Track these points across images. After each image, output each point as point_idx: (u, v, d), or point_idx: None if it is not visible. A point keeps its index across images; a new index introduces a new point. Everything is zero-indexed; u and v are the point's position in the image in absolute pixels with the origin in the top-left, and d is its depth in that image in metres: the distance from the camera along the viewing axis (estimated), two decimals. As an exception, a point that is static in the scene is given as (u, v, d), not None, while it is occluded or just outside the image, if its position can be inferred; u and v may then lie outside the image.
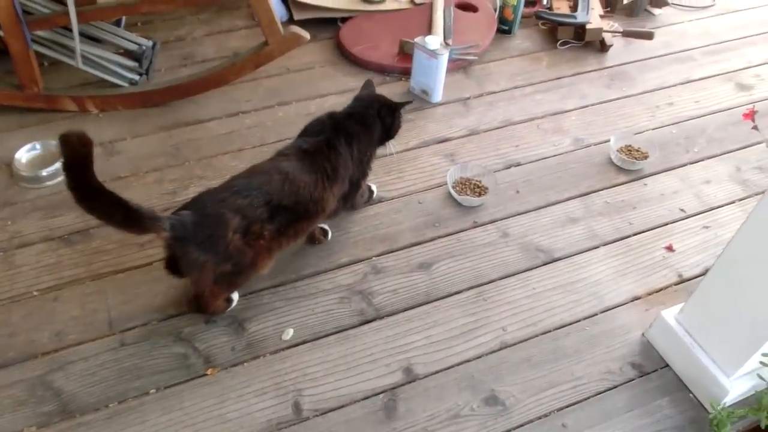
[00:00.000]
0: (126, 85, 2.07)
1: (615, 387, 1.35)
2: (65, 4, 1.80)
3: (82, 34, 2.04)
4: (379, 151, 1.62)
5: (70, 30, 1.86)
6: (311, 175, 1.38)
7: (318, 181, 1.38)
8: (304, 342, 1.40)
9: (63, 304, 1.46)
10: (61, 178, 1.75)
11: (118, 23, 2.28)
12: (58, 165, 1.76)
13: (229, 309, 1.46)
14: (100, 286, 1.50)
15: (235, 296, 1.48)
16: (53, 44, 2.01)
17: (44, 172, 1.74)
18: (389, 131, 1.58)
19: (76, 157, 1.10)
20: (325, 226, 1.64)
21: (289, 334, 1.42)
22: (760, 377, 1.18)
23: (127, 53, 2.14)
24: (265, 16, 1.91)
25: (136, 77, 2.08)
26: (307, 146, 1.43)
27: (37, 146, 1.83)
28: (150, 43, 2.20)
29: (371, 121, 1.53)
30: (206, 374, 1.34)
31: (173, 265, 1.36)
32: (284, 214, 1.33)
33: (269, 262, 1.39)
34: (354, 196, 1.58)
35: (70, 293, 1.48)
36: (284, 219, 1.33)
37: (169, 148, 1.88)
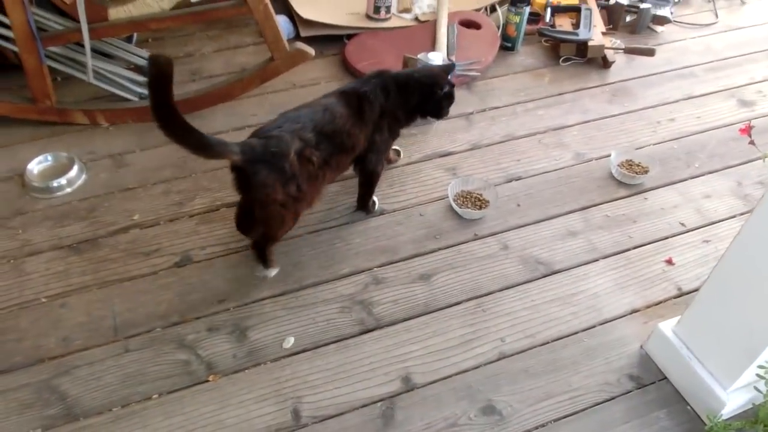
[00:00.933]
0: (136, 99, 2.12)
1: (612, 398, 1.36)
2: (78, 21, 1.86)
3: (94, 50, 2.09)
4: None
5: (83, 46, 1.91)
6: (346, 109, 1.54)
7: (350, 116, 1.54)
8: (304, 350, 1.43)
9: (70, 311, 1.49)
10: (69, 189, 1.80)
11: (129, 40, 2.34)
12: (67, 176, 1.81)
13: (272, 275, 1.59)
14: (106, 294, 1.53)
15: (274, 271, 1.59)
16: (66, 59, 2.06)
17: (55, 183, 1.79)
18: (426, 108, 1.70)
19: (162, 74, 1.24)
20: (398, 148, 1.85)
21: (289, 342, 1.44)
22: (757, 390, 1.18)
23: (137, 68, 2.19)
24: (270, 33, 1.96)
25: (146, 91, 2.13)
26: (346, 89, 1.61)
27: (49, 158, 1.88)
28: (172, 61, 2.25)
29: (410, 92, 1.65)
30: (208, 380, 1.36)
31: (244, 220, 1.57)
32: (326, 142, 1.48)
33: (321, 191, 1.56)
34: (372, 158, 1.66)
35: (77, 300, 1.51)
36: (327, 148, 1.48)
37: (177, 160, 1.92)
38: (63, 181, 1.80)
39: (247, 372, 1.38)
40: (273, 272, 1.60)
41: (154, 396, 1.33)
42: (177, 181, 1.85)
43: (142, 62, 2.20)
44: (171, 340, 1.43)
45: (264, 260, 1.59)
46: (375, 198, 1.77)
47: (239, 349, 1.42)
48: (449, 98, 1.72)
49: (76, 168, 1.83)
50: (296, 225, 1.59)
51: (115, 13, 1.94)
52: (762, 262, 1.11)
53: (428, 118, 1.77)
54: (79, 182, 1.83)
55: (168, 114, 1.28)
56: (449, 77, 1.71)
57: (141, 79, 2.15)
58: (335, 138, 1.50)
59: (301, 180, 1.44)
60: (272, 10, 1.94)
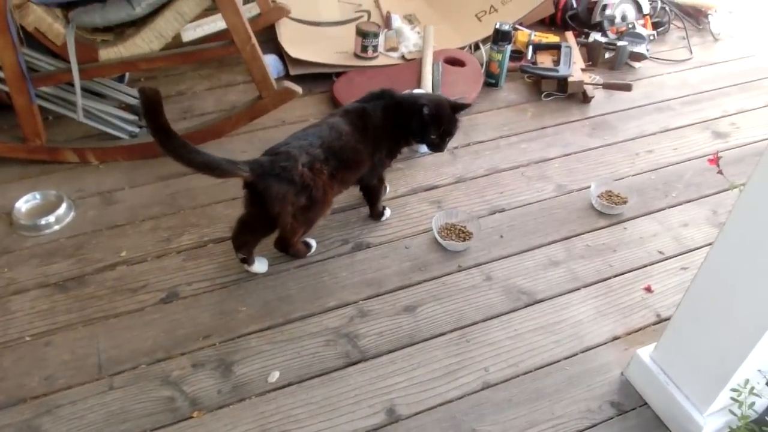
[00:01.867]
0: (126, 137, 2.15)
1: (594, 426, 1.36)
2: (69, 62, 1.91)
3: (85, 90, 2.13)
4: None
5: (74, 86, 1.96)
6: (350, 127, 1.63)
7: (354, 133, 1.63)
8: (289, 384, 1.43)
9: (54, 349, 1.49)
10: (57, 227, 1.82)
11: (121, 79, 2.39)
12: (56, 213, 1.82)
13: (309, 253, 1.75)
14: (91, 331, 1.53)
15: (313, 243, 1.76)
16: (57, 99, 2.10)
17: (42, 221, 1.80)
18: (424, 134, 1.74)
19: (151, 101, 1.37)
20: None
21: (275, 376, 1.44)
22: (732, 413, 1.19)
23: (128, 107, 2.23)
24: (258, 72, 2.02)
25: (136, 130, 2.17)
26: (350, 107, 1.71)
27: (37, 196, 1.90)
28: (158, 91, 2.30)
29: (409, 115, 1.70)
30: (192, 417, 1.36)
31: (240, 236, 1.66)
32: (333, 157, 1.58)
33: (331, 201, 1.65)
34: (372, 176, 1.76)
35: (62, 338, 1.51)
36: (334, 162, 1.58)
37: (166, 197, 1.94)
38: (51, 218, 1.82)
39: (232, 407, 1.38)
40: (312, 248, 1.76)
41: (138, 433, 1.32)
42: (165, 218, 1.87)
43: (134, 101, 2.25)
44: (156, 377, 1.43)
45: (292, 254, 1.73)
46: (384, 205, 1.89)
47: (224, 385, 1.42)
48: (447, 132, 1.75)
49: (64, 206, 1.85)
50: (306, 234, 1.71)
51: (106, 54, 1.98)
52: (728, 287, 1.14)
53: (424, 147, 1.81)
54: (68, 220, 1.85)
55: (167, 136, 1.39)
56: (455, 113, 1.75)
57: (131, 117, 2.19)
58: (342, 154, 1.60)
59: (314, 191, 1.54)
60: (259, 50, 2.00)
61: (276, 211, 1.53)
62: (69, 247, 1.76)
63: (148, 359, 1.47)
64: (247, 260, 1.67)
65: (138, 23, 2.02)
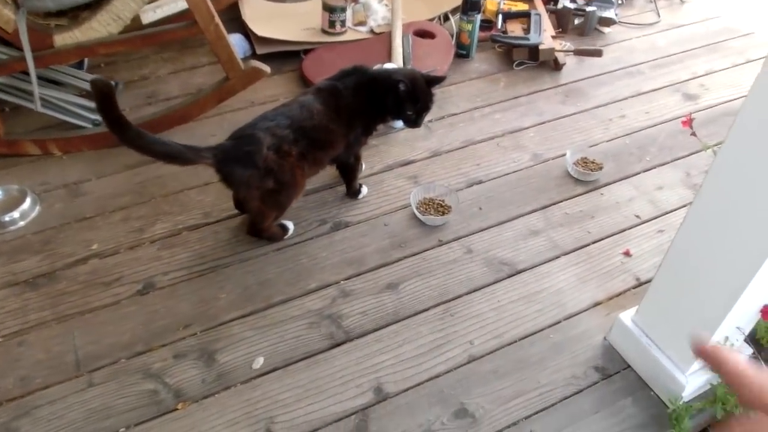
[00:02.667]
0: (89, 126, 2.08)
1: (580, 391, 1.38)
2: (22, 50, 1.82)
3: (43, 78, 2.05)
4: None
5: (28, 74, 1.87)
6: (322, 105, 1.59)
7: (327, 111, 1.59)
8: (274, 369, 1.41)
9: (28, 349, 1.44)
10: (23, 223, 1.75)
11: (80, 65, 2.30)
12: (20, 209, 1.76)
13: (286, 237, 1.71)
14: (66, 328, 1.49)
15: (291, 226, 1.72)
16: (12, 89, 2.02)
17: (6, 217, 1.74)
18: (401, 111, 1.69)
19: (103, 96, 1.35)
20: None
21: (259, 362, 1.42)
22: (713, 371, 1.21)
23: (89, 94, 2.15)
24: (224, 53, 1.96)
25: (99, 117, 2.09)
26: (322, 85, 1.66)
27: (-1, 191, 1.83)
28: (112, 84, 2.22)
29: (384, 91, 1.65)
30: (177, 409, 1.33)
31: (240, 205, 1.70)
32: (304, 138, 1.53)
33: (302, 183, 1.61)
34: (348, 154, 1.73)
35: (36, 337, 1.47)
36: (305, 143, 1.54)
37: (135, 186, 1.89)
38: (15, 214, 1.75)
39: (217, 396, 1.36)
40: (290, 230, 1.72)
41: (121, 430, 1.29)
42: (136, 207, 1.82)
43: (94, 88, 2.17)
44: (136, 371, 1.40)
45: (266, 239, 1.70)
46: (360, 183, 1.85)
47: (208, 374, 1.40)
48: (424, 107, 1.71)
49: (29, 200, 1.78)
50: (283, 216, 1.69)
51: (61, 39, 1.89)
52: (705, 248, 1.15)
53: (400, 122, 1.79)
54: (33, 215, 1.78)
55: (122, 128, 1.37)
56: (430, 87, 1.71)
57: (93, 105, 2.11)
58: (313, 133, 1.56)
59: (280, 174, 1.50)
60: (224, 30, 1.93)
61: (241, 195, 1.53)
62: (36, 243, 1.70)
63: (127, 353, 1.44)
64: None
65: (93, 6, 1.93)
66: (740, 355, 0.37)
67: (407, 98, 1.66)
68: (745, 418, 0.36)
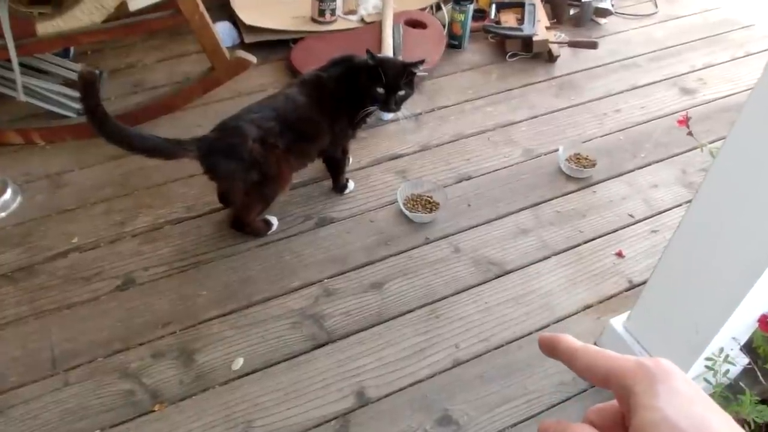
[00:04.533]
0: (73, 115, 2.03)
1: (568, 399, 1.35)
2: (3, 38, 1.77)
3: (26, 66, 2.00)
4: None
5: (11, 63, 1.82)
6: (305, 97, 1.56)
7: (310, 103, 1.56)
8: (254, 371, 1.38)
9: (4, 345, 1.41)
10: (3, 214, 1.71)
11: (66, 54, 2.24)
12: (1, 199, 1.72)
13: (270, 232, 1.67)
14: (43, 324, 1.45)
15: (275, 221, 1.68)
16: (-6, 78, 1.97)
17: (-16, 209, 1.70)
18: (370, 89, 1.61)
19: (86, 84, 1.36)
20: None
21: (239, 363, 1.39)
22: (707, 381, 1.19)
23: (74, 83, 2.10)
24: (208, 43, 1.91)
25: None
26: (307, 77, 1.64)
27: (-21, 182, 1.78)
28: (96, 72, 2.17)
29: (368, 80, 1.60)
30: (153, 410, 1.30)
31: (224, 199, 1.67)
32: (290, 131, 1.50)
33: (288, 177, 1.58)
34: (335, 147, 1.69)
35: (12, 333, 1.43)
36: (291, 135, 1.51)
37: (118, 178, 1.85)
38: (-6, 206, 1.71)
39: (195, 398, 1.33)
40: (273, 226, 1.68)
41: (97, 431, 1.26)
42: (118, 200, 1.78)
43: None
44: (113, 370, 1.37)
45: (249, 233, 1.66)
46: (347, 177, 1.81)
47: (186, 375, 1.37)
48: (394, 85, 1.61)
49: (9, 191, 1.74)
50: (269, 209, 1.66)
51: (43, 27, 1.84)
52: (702, 254, 1.12)
53: (388, 114, 1.77)
54: (14, 206, 1.74)
55: (102, 121, 1.35)
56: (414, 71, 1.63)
57: (77, 94, 2.06)
58: (298, 126, 1.53)
59: (265, 166, 1.48)
60: (209, 19, 1.88)
61: (226, 188, 1.51)
62: (16, 236, 1.66)
63: (104, 351, 1.40)
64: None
65: (76, -7, 1.87)
66: (572, 337, 0.40)
67: (374, 73, 1.58)
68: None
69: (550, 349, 0.41)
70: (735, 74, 2.39)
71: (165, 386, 1.34)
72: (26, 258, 1.60)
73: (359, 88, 1.62)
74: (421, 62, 1.64)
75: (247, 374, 1.37)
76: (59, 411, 1.29)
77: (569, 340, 0.40)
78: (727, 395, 1.14)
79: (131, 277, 1.57)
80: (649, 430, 0.33)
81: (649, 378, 0.35)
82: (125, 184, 1.82)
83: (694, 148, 2.00)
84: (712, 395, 1.19)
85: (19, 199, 1.77)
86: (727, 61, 2.47)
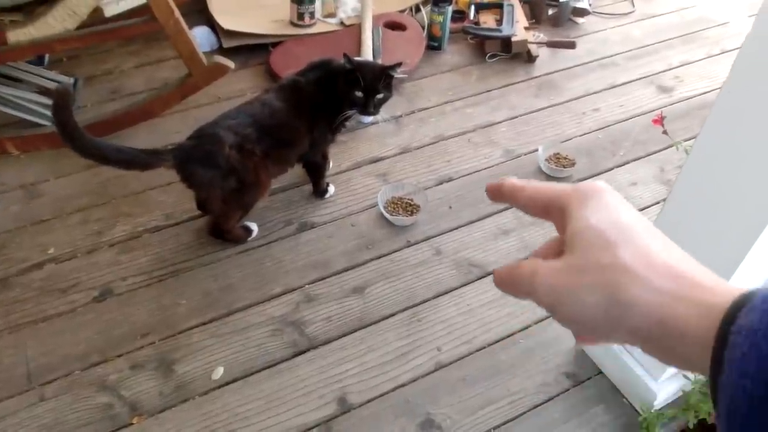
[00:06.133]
0: (48, 124, 1.99)
1: (551, 399, 1.35)
2: (-28, 46, 1.74)
3: (-2, 75, 1.97)
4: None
5: (-19, 72, 1.79)
6: (282, 102, 1.55)
7: (288, 109, 1.55)
8: (235, 380, 1.36)
9: (-23, 361, 1.38)
10: (-24, 226, 1.68)
11: (40, 61, 2.21)
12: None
13: (250, 238, 1.65)
14: (18, 339, 1.43)
15: (255, 227, 1.67)
16: (-36, 87, 1.93)
17: (-44, 222, 1.66)
18: (349, 92, 1.60)
19: (59, 100, 1.35)
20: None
21: (219, 372, 1.37)
22: (686, 377, 1.19)
23: (48, 92, 2.07)
24: (184, 48, 1.88)
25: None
26: (284, 82, 1.63)
27: (-50, 194, 1.75)
28: (71, 80, 2.14)
29: (346, 84, 1.59)
30: (132, 423, 1.28)
31: (202, 206, 1.65)
32: (268, 137, 1.50)
33: (267, 183, 1.57)
34: (315, 152, 1.69)
35: (-13, 348, 1.41)
36: (269, 141, 1.50)
37: (95, 186, 1.82)
38: (-34, 219, 1.68)
39: (175, 410, 1.31)
40: (254, 232, 1.67)
41: (73, 446, 1.24)
42: (95, 209, 1.75)
43: (53, 85, 2.08)
44: (91, 383, 1.35)
45: (229, 240, 1.65)
46: (327, 182, 1.80)
47: (165, 386, 1.35)
48: (372, 88, 1.59)
49: (-18, 203, 1.71)
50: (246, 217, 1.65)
51: (14, 35, 1.81)
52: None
53: (369, 117, 1.77)
54: (-13, 218, 1.71)
55: (75, 137, 1.35)
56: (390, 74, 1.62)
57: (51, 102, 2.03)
58: (276, 132, 1.52)
59: (243, 173, 1.47)
60: (184, 24, 1.86)
61: (204, 196, 1.50)
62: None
63: (81, 364, 1.38)
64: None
65: (49, 1, 1.84)
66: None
67: (352, 78, 1.57)
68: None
69: (497, 194, 0.42)
70: (711, 71, 2.41)
71: (144, 398, 1.32)
72: (1, 270, 1.57)
73: (337, 92, 1.61)
74: (399, 65, 1.63)
75: (228, 383, 1.35)
76: (36, 427, 1.27)
77: (513, 180, 0.42)
78: (706, 391, 1.14)
79: (109, 287, 1.54)
80: (578, 236, 0.36)
81: (582, 195, 0.38)
82: (102, 193, 1.80)
83: (671, 146, 2.01)
84: (690, 392, 1.20)
85: (-8, 210, 1.74)
86: (703, 59, 2.49)
